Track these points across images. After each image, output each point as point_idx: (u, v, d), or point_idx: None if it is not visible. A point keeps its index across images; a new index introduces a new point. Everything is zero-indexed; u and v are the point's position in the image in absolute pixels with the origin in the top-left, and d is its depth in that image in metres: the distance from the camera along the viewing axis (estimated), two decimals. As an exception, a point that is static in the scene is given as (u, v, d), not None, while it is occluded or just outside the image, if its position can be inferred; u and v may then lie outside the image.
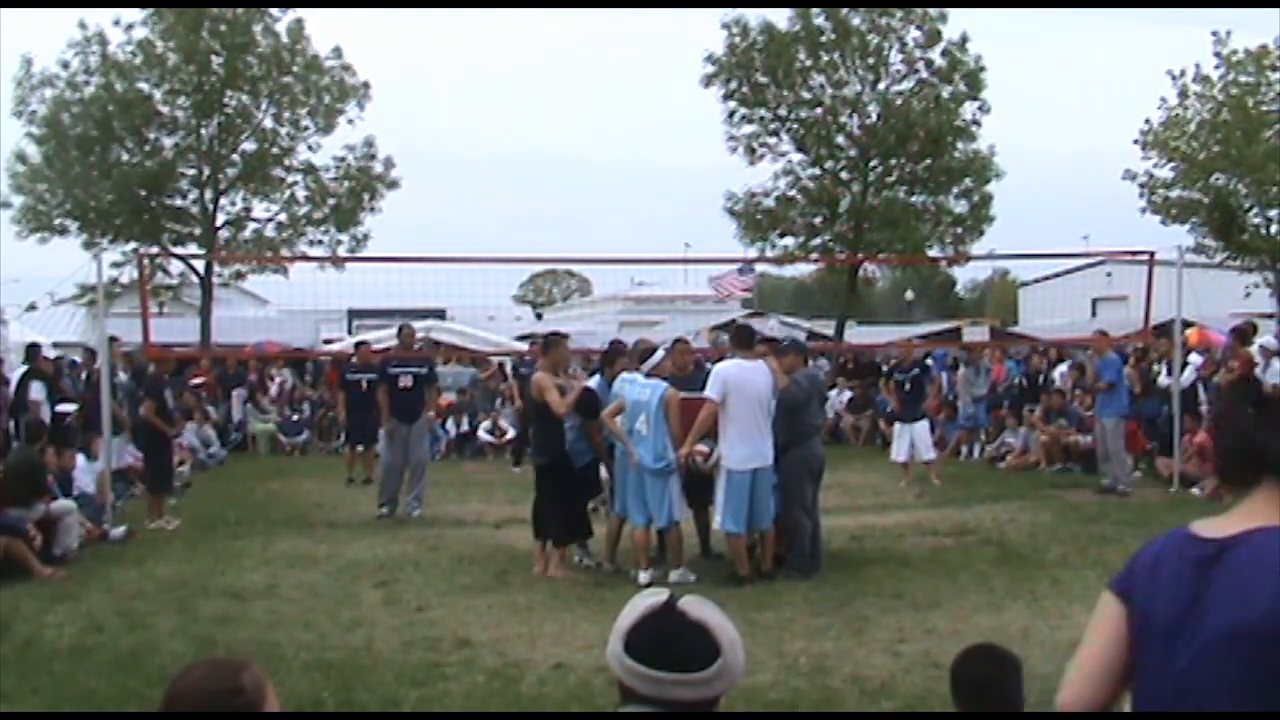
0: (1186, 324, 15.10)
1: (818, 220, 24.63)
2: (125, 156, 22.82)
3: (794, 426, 8.52)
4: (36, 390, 13.29)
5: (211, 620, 7.25)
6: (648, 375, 8.53)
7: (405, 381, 12.06)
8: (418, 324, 25.06)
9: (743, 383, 8.17)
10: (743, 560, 8.22)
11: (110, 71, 22.22)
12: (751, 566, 8.27)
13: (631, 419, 8.26)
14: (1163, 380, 14.43)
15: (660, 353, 8.91)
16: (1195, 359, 14.70)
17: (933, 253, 24.09)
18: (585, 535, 8.94)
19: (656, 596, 1.94)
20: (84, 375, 15.19)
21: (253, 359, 20.82)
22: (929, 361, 18.48)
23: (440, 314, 27.56)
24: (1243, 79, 20.94)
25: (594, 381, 9.28)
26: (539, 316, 53.05)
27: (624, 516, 8.67)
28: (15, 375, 13.50)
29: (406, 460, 11.92)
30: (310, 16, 23.42)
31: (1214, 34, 21.04)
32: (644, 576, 8.15)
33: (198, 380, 18.61)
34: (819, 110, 23.87)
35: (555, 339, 9.44)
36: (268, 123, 23.41)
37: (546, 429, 8.80)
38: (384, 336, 23.17)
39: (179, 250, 23.24)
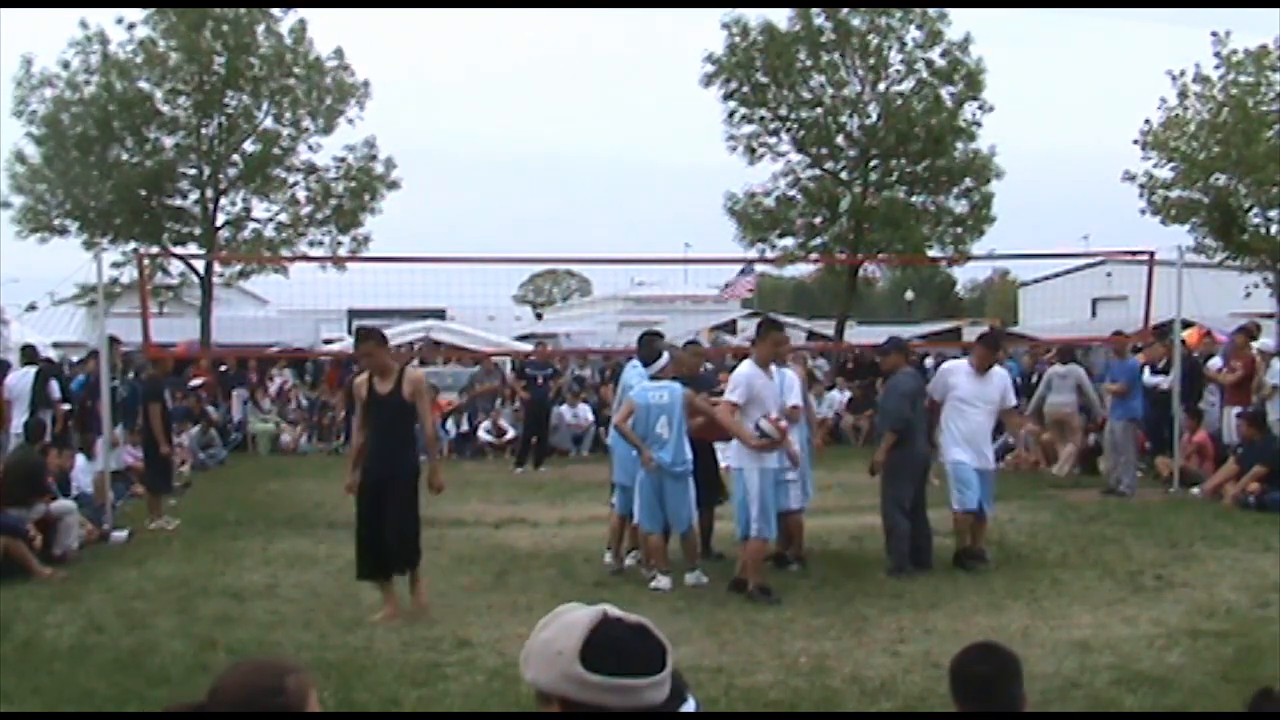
0: (1186, 324, 15.11)
1: (818, 220, 24.59)
2: (125, 156, 22.75)
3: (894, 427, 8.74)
4: (56, 389, 13.32)
5: (211, 620, 7.25)
6: (653, 377, 8.51)
7: None
8: (418, 324, 25.16)
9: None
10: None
11: (111, 71, 22.19)
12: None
13: (649, 423, 8.17)
14: (1147, 379, 14.42)
15: (665, 356, 8.88)
16: (1216, 361, 14.67)
17: (933, 253, 24.03)
18: None
19: (581, 611, 1.91)
20: (83, 376, 15.17)
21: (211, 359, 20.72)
22: (927, 363, 18.47)
23: (440, 314, 27.56)
24: (1243, 79, 20.90)
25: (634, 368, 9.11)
26: (539, 316, 53.06)
27: (626, 516, 8.67)
28: (19, 375, 13.49)
29: None
30: (311, 17, 23.40)
31: (1214, 34, 21.01)
32: (664, 581, 8.13)
33: (197, 381, 18.61)
34: (819, 110, 23.84)
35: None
36: (268, 123, 23.39)
37: None
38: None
39: (179, 250, 23.22)
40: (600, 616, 1.88)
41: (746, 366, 8.10)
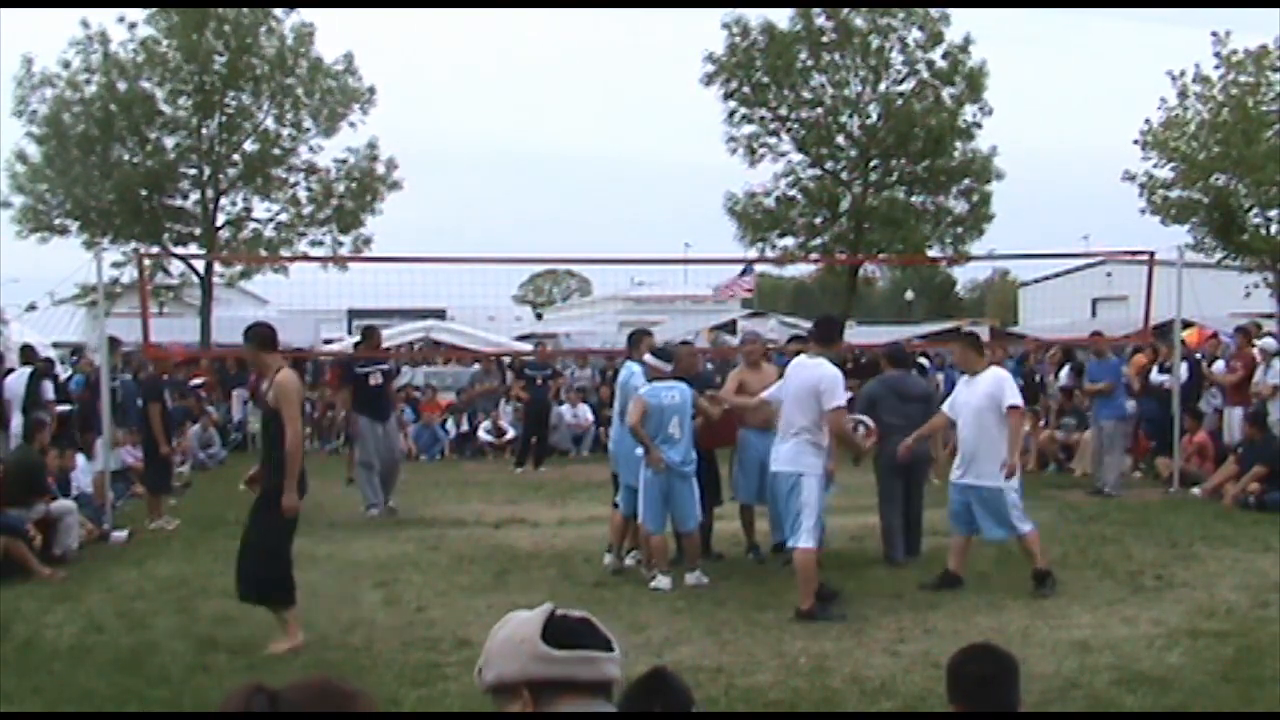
0: (1186, 324, 15.10)
1: (818, 220, 24.57)
2: (126, 156, 22.77)
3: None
4: (50, 389, 13.31)
5: (211, 620, 7.25)
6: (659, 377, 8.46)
7: (375, 380, 12.10)
8: (418, 324, 25.19)
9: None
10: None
11: (112, 70, 22.19)
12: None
13: (662, 423, 8.14)
14: (1155, 377, 14.43)
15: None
16: (1220, 365, 14.66)
17: (933, 253, 24.01)
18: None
19: (530, 611, 2.06)
20: (69, 376, 15.17)
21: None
22: (924, 363, 18.47)
23: (440, 314, 27.59)
24: (1243, 79, 20.92)
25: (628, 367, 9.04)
26: (539, 316, 53.12)
27: (631, 517, 8.65)
28: (17, 375, 13.48)
29: (386, 456, 11.96)
30: (311, 17, 23.39)
31: (1214, 34, 21.04)
32: (664, 581, 8.11)
33: (197, 380, 18.60)
34: (819, 110, 23.83)
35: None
36: (269, 123, 23.38)
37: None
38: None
39: (179, 250, 23.22)
40: (550, 610, 2.05)
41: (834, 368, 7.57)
